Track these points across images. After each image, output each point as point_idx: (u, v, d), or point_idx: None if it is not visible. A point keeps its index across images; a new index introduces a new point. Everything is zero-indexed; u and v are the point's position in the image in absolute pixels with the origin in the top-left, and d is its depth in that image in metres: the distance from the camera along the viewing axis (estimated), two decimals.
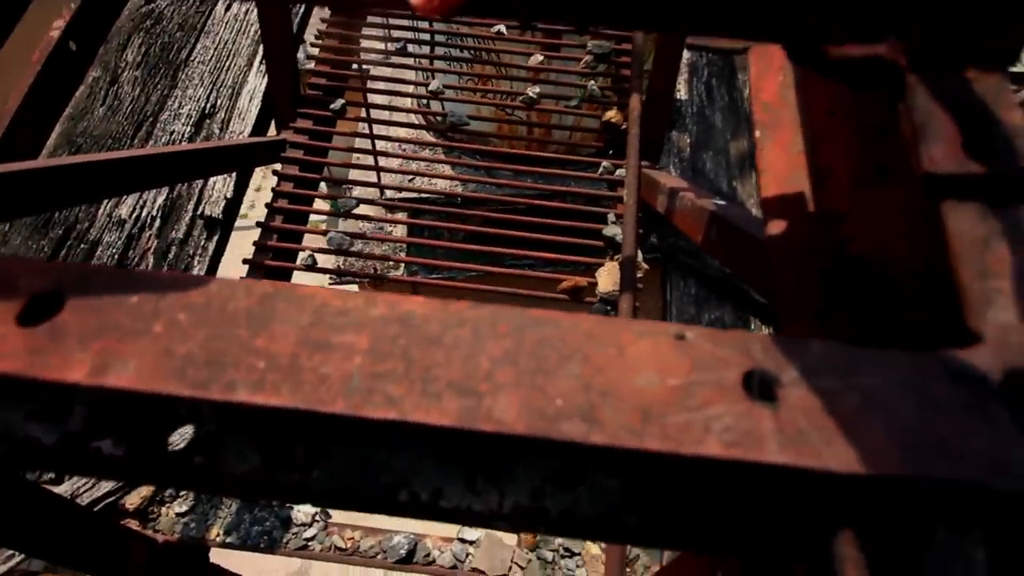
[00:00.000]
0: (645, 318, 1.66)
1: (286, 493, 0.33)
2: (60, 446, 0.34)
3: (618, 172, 1.50)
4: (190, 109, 1.51)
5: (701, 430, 0.25)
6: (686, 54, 1.52)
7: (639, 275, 1.34)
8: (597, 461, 0.32)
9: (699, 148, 1.53)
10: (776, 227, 0.55)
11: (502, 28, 1.71)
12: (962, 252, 0.31)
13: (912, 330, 0.45)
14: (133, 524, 1.15)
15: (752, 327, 1.36)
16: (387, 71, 1.78)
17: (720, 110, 1.56)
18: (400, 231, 1.97)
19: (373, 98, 1.69)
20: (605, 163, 1.52)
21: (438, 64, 1.86)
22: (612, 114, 1.51)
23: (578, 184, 1.57)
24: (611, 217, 1.44)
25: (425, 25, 1.80)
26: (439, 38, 1.79)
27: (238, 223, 1.60)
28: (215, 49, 1.58)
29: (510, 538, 1.16)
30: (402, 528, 1.18)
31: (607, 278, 1.37)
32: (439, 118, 2.06)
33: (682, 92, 1.59)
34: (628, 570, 1.14)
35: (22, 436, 0.34)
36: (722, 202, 0.94)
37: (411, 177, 1.98)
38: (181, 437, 0.36)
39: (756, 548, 0.29)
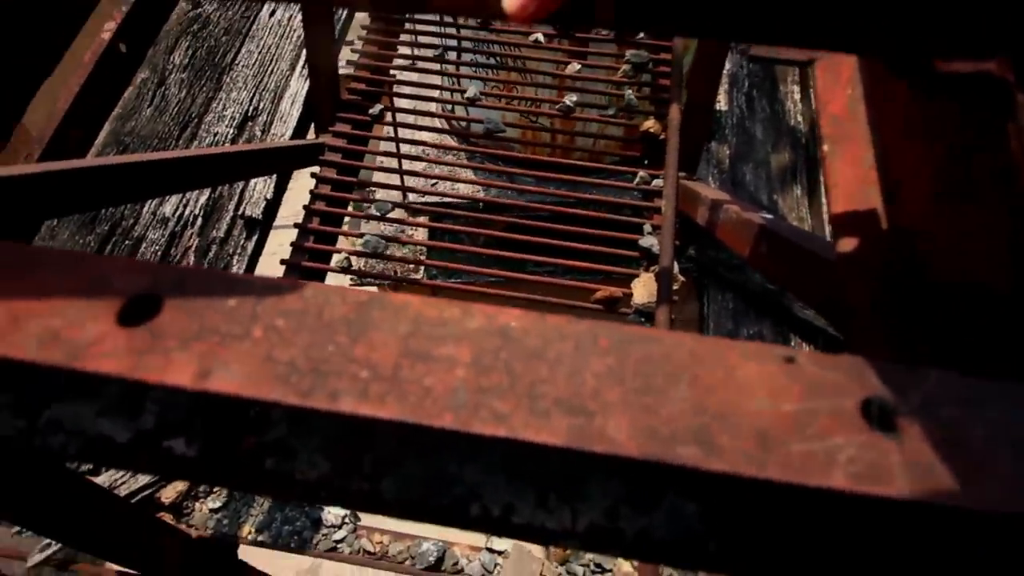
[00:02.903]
0: (682, 330, 1.64)
1: (355, 501, 0.33)
2: (132, 444, 0.35)
3: (655, 183, 1.49)
4: (233, 111, 1.54)
5: (825, 461, 0.23)
6: (727, 64, 1.51)
7: (675, 287, 1.32)
8: (676, 484, 0.31)
9: (739, 160, 1.51)
10: (847, 244, 0.54)
11: (539, 36, 1.72)
12: None
13: (995, 354, 0.43)
14: (168, 518, 1.17)
15: (792, 343, 1.33)
16: (414, 76, 1.80)
17: (761, 122, 1.54)
18: (421, 235, 1.98)
19: (402, 103, 1.70)
20: (642, 173, 1.50)
21: (470, 71, 1.87)
22: (650, 124, 1.50)
23: (613, 193, 1.56)
24: (647, 228, 1.43)
25: (455, 32, 1.82)
26: (467, 45, 1.81)
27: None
28: (259, 53, 1.61)
29: (539, 550, 1.15)
30: (431, 535, 1.17)
31: (642, 289, 1.35)
32: (464, 124, 2.08)
33: (722, 103, 1.58)
34: None
35: (94, 433, 0.35)
36: (770, 216, 0.92)
37: (434, 182, 1.99)
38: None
39: None
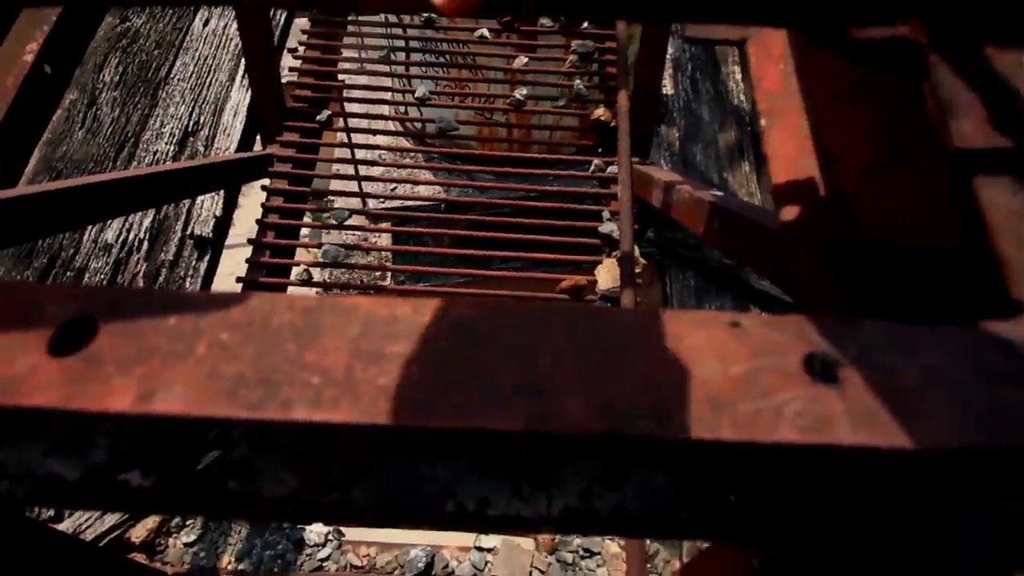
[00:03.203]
0: None
1: (326, 513, 0.32)
2: (84, 481, 0.33)
3: (609, 169, 1.51)
4: (172, 127, 1.48)
5: (773, 417, 0.24)
6: (669, 49, 1.54)
7: (637, 270, 1.34)
8: (643, 456, 0.31)
9: (688, 141, 1.54)
10: (789, 212, 0.56)
11: (484, 32, 1.71)
12: (999, 225, 0.31)
13: (941, 306, 0.46)
14: (141, 558, 1.12)
15: None
16: (363, 80, 1.77)
17: (707, 103, 1.58)
18: (385, 240, 1.95)
19: (352, 108, 1.67)
20: (596, 161, 1.52)
21: (419, 71, 1.85)
22: (600, 112, 1.52)
23: (568, 183, 1.57)
24: (606, 214, 1.45)
25: (401, 32, 1.80)
26: (414, 44, 1.79)
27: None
28: (195, 65, 1.55)
29: (528, 543, 1.15)
30: (418, 541, 1.16)
31: (606, 275, 1.37)
32: (418, 125, 2.06)
33: (668, 87, 1.61)
34: (648, 566, 1.14)
35: (43, 474, 0.33)
36: (720, 193, 0.95)
37: (394, 186, 1.97)
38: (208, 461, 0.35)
39: (809, 533, 0.29)
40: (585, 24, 1.64)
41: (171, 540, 1.13)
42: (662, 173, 1.28)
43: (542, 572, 1.11)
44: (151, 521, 1.12)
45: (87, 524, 1.14)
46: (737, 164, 1.51)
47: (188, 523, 1.14)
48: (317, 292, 1.99)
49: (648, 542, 1.16)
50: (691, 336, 0.27)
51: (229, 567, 1.13)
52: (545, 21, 1.65)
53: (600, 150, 1.59)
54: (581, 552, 1.11)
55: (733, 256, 0.95)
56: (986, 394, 0.26)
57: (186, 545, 1.12)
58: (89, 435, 0.34)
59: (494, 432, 0.25)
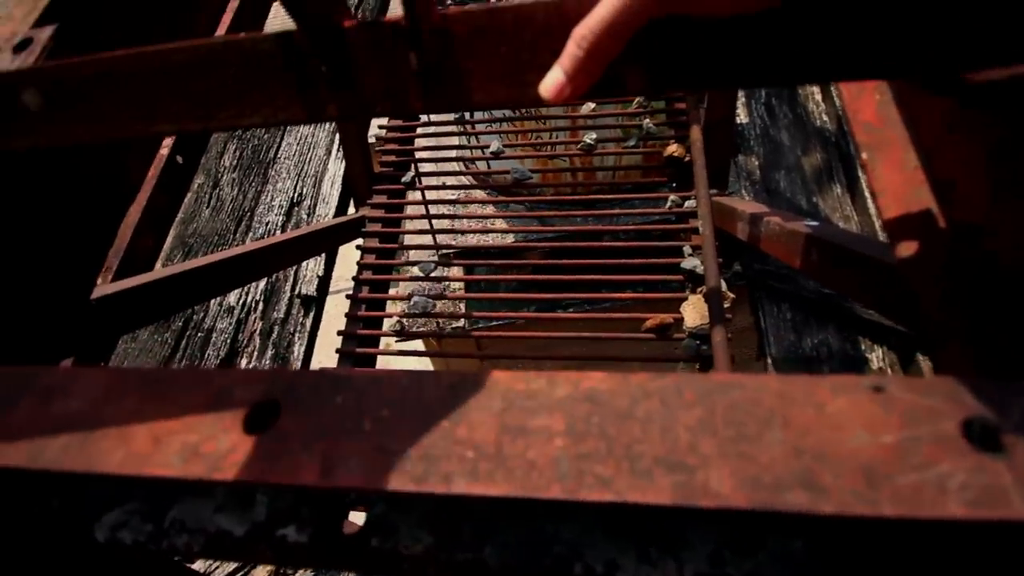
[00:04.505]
0: (740, 349, 1.60)
1: (460, 571, 0.34)
2: (248, 536, 0.38)
3: (687, 204, 1.49)
4: (281, 200, 1.67)
5: (936, 490, 0.23)
6: None
7: (726, 305, 1.30)
8: (777, 524, 0.31)
9: (769, 168, 1.50)
10: (907, 248, 0.53)
11: None
12: None
13: None
14: None
15: (862, 347, 1.27)
16: (431, 140, 1.90)
17: (785, 128, 1.53)
18: (460, 288, 2.03)
19: (428, 167, 1.79)
20: (673, 196, 1.51)
21: (486, 127, 1.96)
22: (673, 148, 1.52)
23: (647, 221, 1.57)
24: (687, 250, 1.42)
25: None
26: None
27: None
28: (297, 144, 1.75)
29: None
30: None
31: (692, 312, 1.34)
32: (492, 178, 2.15)
33: (742, 116, 1.58)
34: None
35: (213, 530, 0.38)
36: (815, 223, 0.91)
37: (465, 235, 2.05)
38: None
39: None
40: None
41: None
42: (746, 204, 1.25)
43: None
44: (270, 566, 1.20)
45: (215, 567, 1.24)
46: (827, 187, 1.43)
47: (303, 568, 1.21)
48: (396, 339, 2.09)
49: None
50: (833, 403, 0.27)
51: None
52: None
53: (674, 185, 1.58)
54: None
55: (840, 290, 0.89)
56: None
57: None
58: (251, 495, 0.39)
59: (642, 506, 0.26)
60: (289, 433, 0.31)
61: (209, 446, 0.32)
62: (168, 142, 1.75)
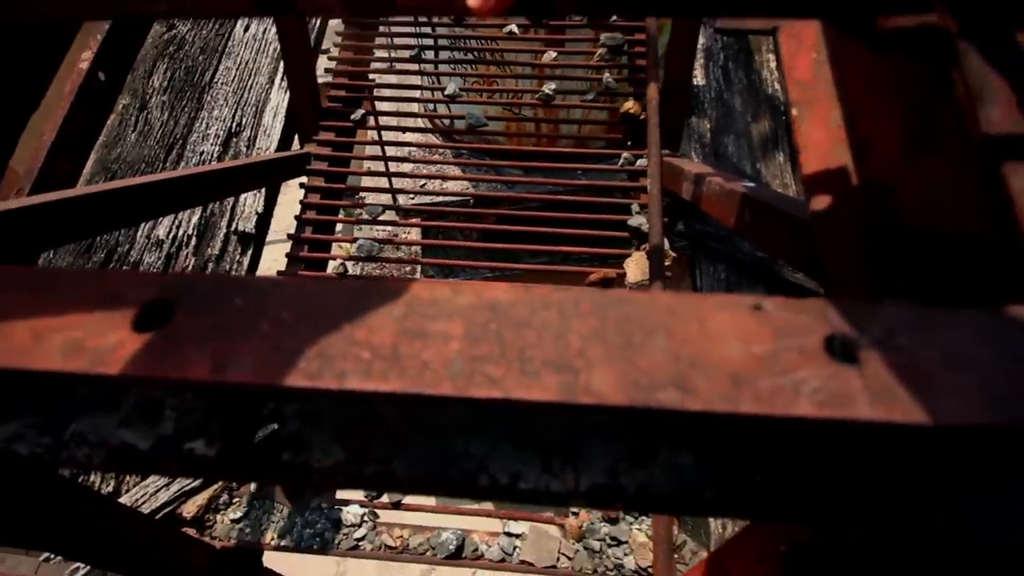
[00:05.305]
0: None
1: (370, 483, 0.35)
2: (155, 450, 0.37)
3: (639, 162, 1.51)
4: (217, 129, 1.55)
5: (792, 393, 0.26)
6: (700, 39, 1.52)
7: (667, 263, 1.34)
8: (669, 437, 0.33)
9: (720, 132, 1.52)
10: (821, 202, 0.56)
11: (514, 28, 1.73)
12: None
13: (973, 292, 0.45)
14: (191, 532, 1.19)
15: None
16: (393, 79, 1.81)
17: (739, 93, 1.55)
18: (415, 235, 2.00)
19: (383, 106, 1.72)
20: (625, 154, 1.52)
21: (448, 68, 1.88)
22: (630, 105, 1.51)
23: (599, 177, 1.58)
24: (635, 207, 1.45)
25: (430, 30, 1.83)
26: (443, 42, 1.82)
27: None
28: (237, 69, 1.62)
29: (556, 530, 1.17)
30: (449, 524, 1.20)
31: (635, 268, 1.37)
32: (447, 121, 2.09)
33: (699, 77, 1.59)
34: (676, 556, 1.15)
35: (116, 443, 0.37)
36: (752, 184, 0.94)
37: (423, 182, 2.01)
38: (263, 434, 0.38)
39: (829, 512, 0.30)
40: (614, 17, 1.64)
41: (219, 516, 1.20)
42: (693, 165, 1.27)
43: (569, 559, 1.13)
44: (201, 498, 1.19)
45: (143, 500, 1.22)
46: (771, 155, 1.48)
47: (235, 501, 1.21)
48: None
49: (676, 532, 1.16)
50: (715, 318, 0.29)
51: (272, 543, 1.19)
52: (574, 16, 1.65)
53: (629, 143, 1.59)
54: (608, 540, 1.13)
55: (765, 248, 0.94)
56: (1009, 374, 0.27)
57: (233, 521, 1.19)
58: (159, 409, 0.38)
59: (527, 403, 0.27)
60: (181, 332, 0.30)
61: (94, 341, 0.30)
62: (88, 55, 1.58)
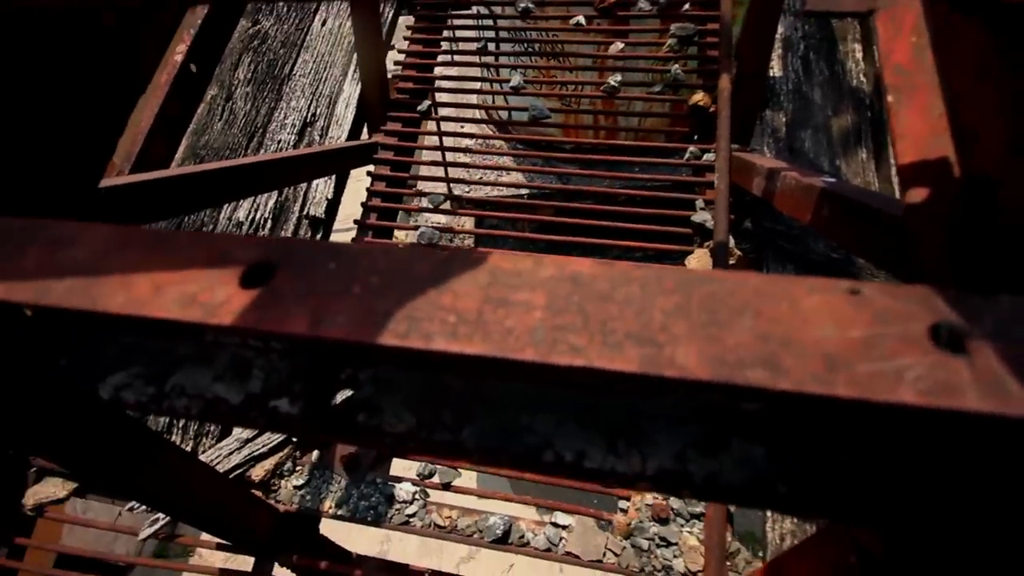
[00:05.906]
0: None
1: (439, 449, 0.36)
2: (244, 405, 0.40)
3: (706, 157, 1.46)
4: (294, 119, 1.64)
5: (893, 379, 0.24)
6: (780, 28, 1.44)
7: (732, 262, 1.29)
8: (741, 427, 0.32)
9: (796, 127, 1.45)
10: (917, 195, 0.52)
11: (580, 19, 1.72)
12: None
13: None
14: (258, 494, 1.28)
15: None
16: (453, 71, 1.84)
17: (819, 85, 1.46)
18: (468, 226, 2.02)
19: (445, 98, 1.75)
20: (692, 148, 1.48)
21: (510, 61, 1.89)
22: (699, 97, 1.47)
23: (663, 172, 1.54)
24: (700, 203, 1.40)
25: (491, 23, 1.84)
26: (503, 34, 1.82)
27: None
28: (314, 62, 1.71)
29: (600, 524, 1.17)
30: (497, 510, 1.22)
31: (696, 266, 1.33)
32: (504, 114, 2.10)
33: (776, 69, 1.51)
34: (728, 563, 1.11)
35: (211, 396, 0.40)
36: (832, 179, 0.89)
37: (479, 174, 2.03)
38: (341, 397, 0.40)
39: (913, 514, 0.29)
40: (686, 6, 1.59)
41: (283, 482, 1.27)
42: (765, 160, 1.22)
43: (616, 555, 1.12)
44: (269, 463, 1.27)
45: (217, 460, 1.32)
46: (852, 151, 1.39)
47: (297, 468, 1.28)
48: None
49: (729, 540, 1.13)
50: (807, 300, 0.28)
51: (329, 511, 1.25)
52: (643, 4, 1.62)
53: (696, 137, 1.54)
54: (657, 540, 1.11)
55: (847, 246, 0.88)
56: None
57: (295, 488, 1.26)
58: (248, 368, 0.41)
59: (608, 372, 0.27)
60: (282, 290, 0.33)
61: (206, 296, 0.33)
62: (182, 49, 1.71)
